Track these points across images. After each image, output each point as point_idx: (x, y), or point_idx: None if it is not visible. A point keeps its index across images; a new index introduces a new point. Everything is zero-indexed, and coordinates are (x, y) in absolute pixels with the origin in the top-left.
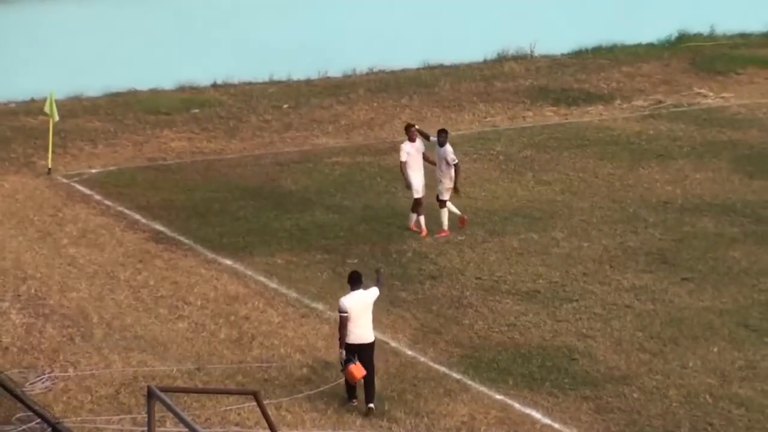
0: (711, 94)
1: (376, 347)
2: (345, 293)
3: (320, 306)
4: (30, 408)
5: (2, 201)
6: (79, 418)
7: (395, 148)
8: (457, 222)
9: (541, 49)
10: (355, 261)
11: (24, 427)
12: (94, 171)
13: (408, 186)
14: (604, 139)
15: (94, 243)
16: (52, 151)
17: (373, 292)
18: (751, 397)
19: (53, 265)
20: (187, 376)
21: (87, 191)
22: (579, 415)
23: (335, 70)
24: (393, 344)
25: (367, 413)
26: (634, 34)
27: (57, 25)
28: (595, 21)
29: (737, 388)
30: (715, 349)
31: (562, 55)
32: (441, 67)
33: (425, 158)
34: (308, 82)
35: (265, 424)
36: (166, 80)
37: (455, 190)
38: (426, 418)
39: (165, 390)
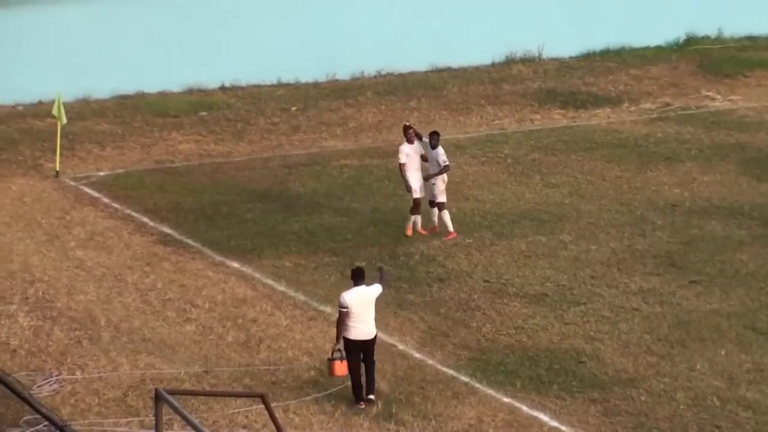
0: (719, 96)
1: (384, 350)
2: None
3: (328, 309)
4: (38, 411)
5: (10, 204)
6: (86, 421)
7: None
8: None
9: (549, 52)
10: (363, 264)
11: (32, 429)
12: (101, 173)
13: (408, 188)
14: (612, 141)
15: (101, 246)
16: (60, 154)
17: (376, 289)
18: (759, 399)
19: (61, 268)
20: (195, 379)
21: (95, 194)
22: (587, 417)
23: (343, 72)
24: (401, 347)
25: (367, 402)
26: (642, 36)
27: (65, 27)
28: (603, 24)
29: (745, 390)
30: (723, 352)
31: (570, 57)
32: (449, 69)
33: (422, 158)
34: (316, 85)
35: (273, 427)
36: (174, 83)
37: (425, 178)
38: (434, 421)
39: (172, 393)
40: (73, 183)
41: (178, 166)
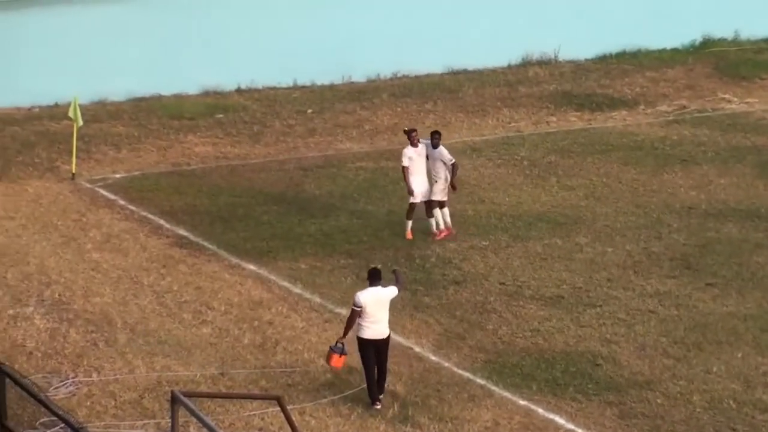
0: (735, 99)
1: (400, 353)
2: None
3: (344, 311)
4: (54, 413)
5: (26, 206)
6: (102, 423)
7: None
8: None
9: (565, 54)
10: (379, 266)
11: None
12: (118, 176)
13: (410, 192)
14: (628, 144)
15: (117, 248)
16: (76, 156)
17: (391, 291)
18: None
19: (77, 270)
20: (211, 381)
21: (111, 196)
22: (603, 420)
23: (359, 75)
24: (417, 349)
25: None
26: (658, 39)
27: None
28: (619, 26)
29: (761, 393)
30: (739, 355)
31: (587, 60)
32: (465, 72)
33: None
34: (332, 87)
35: (289, 429)
36: (191, 85)
37: (453, 187)
38: (450, 424)
39: (188, 395)
40: (89, 185)
41: (194, 169)
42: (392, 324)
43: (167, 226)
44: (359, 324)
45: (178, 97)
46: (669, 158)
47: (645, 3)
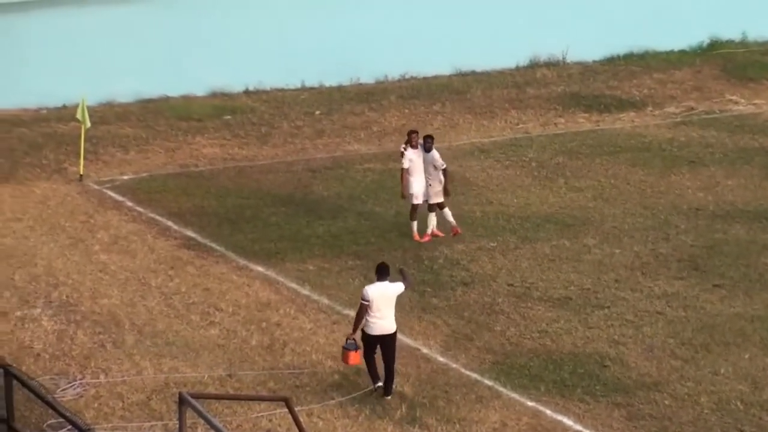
0: (743, 100)
1: (408, 354)
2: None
3: (352, 312)
4: (61, 415)
5: (34, 207)
6: (110, 425)
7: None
8: (449, 229)
9: (573, 56)
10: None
11: None
12: (125, 177)
13: (405, 194)
14: (636, 145)
15: (125, 249)
16: (84, 158)
17: (398, 287)
18: None
19: (85, 272)
20: (219, 383)
21: (119, 198)
22: (610, 422)
23: (367, 76)
24: (425, 351)
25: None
26: (666, 40)
27: (89, 31)
28: (626, 28)
29: None
30: (747, 356)
31: (594, 61)
32: (473, 73)
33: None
34: (340, 89)
35: (297, 431)
36: (198, 86)
37: (446, 192)
38: (458, 425)
39: (196, 396)
40: (96, 187)
41: (202, 170)
42: (400, 325)
43: (175, 227)
44: (365, 320)
45: (186, 99)
46: (677, 160)
47: (652, 4)
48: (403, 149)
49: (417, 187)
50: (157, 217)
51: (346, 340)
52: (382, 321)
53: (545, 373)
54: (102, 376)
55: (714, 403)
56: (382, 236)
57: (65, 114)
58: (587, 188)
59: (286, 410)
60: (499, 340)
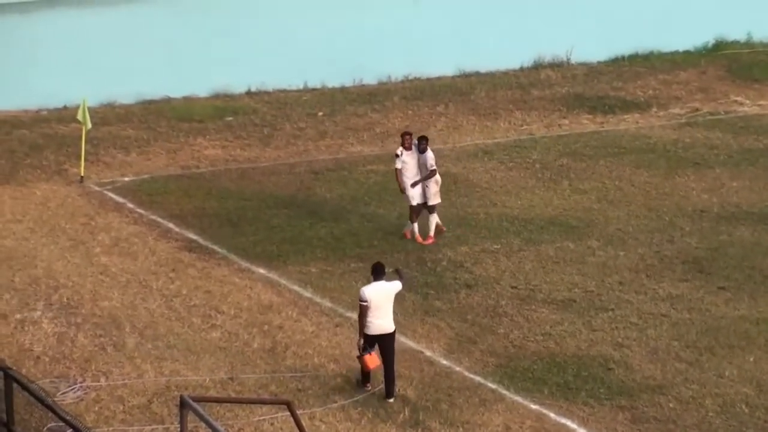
0: (748, 101)
1: (411, 357)
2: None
3: (354, 315)
4: (62, 418)
5: (34, 209)
6: (111, 428)
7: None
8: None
9: (577, 57)
10: (390, 270)
11: None
12: (126, 179)
13: (403, 190)
14: (640, 147)
15: (126, 252)
16: (85, 159)
17: (395, 285)
18: None
19: (85, 274)
20: (220, 386)
21: (120, 199)
22: (615, 425)
23: (370, 77)
24: (428, 353)
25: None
26: (671, 41)
27: (90, 32)
28: (631, 28)
29: None
30: (752, 359)
31: (599, 62)
32: (477, 74)
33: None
34: (343, 90)
35: None
36: (200, 88)
37: (417, 182)
38: (461, 428)
39: (198, 400)
40: (97, 188)
41: (204, 172)
42: (403, 328)
43: (176, 229)
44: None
45: (188, 100)
46: (681, 161)
47: (657, 5)
48: (399, 153)
49: (412, 189)
50: (159, 219)
51: (358, 348)
52: (380, 320)
53: (549, 376)
54: (103, 379)
55: (719, 406)
56: (385, 238)
57: (66, 115)
58: (591, 190)
59: (288, 414)
60: (503, 343)
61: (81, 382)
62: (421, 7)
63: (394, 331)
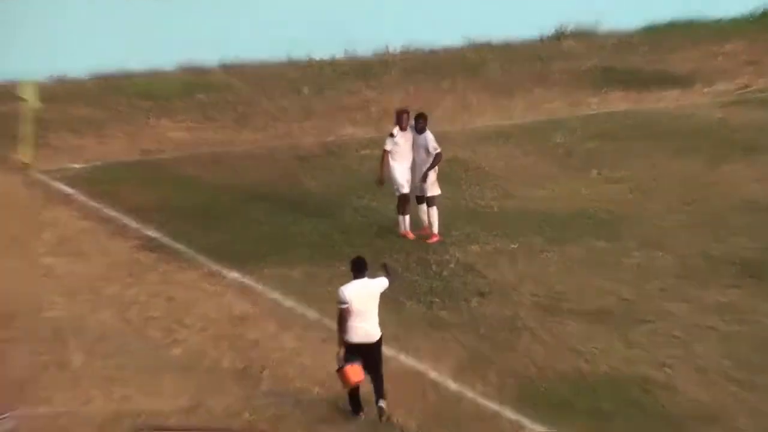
0: None
1: (412, 380)
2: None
3: None
4: None
5: None
6: None
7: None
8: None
9: (606, 25)
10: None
11: None
12: (77, 166)
13: (381, 180)
14: (681, 129)
15: (75, 252)
16: (30, 143)
17: (381, 282)
18: None
19: (25, 278)
20: (183, 414)
21: (69, 190)
22: None
23: (364, 48)
24: (433, 375)
25: (380, 414)
26: (715, 7)
27: None
28: None
29: None
30: None
31: (631, 31)
32: (489, 45)
33: None
34: (332, 63)
35: None
36: (166, 60)
37: (424, 176)
38: None
39: (155, 430)
40: (43, 177)
41: (169, 158)
42: (403, 344)
43: (135, 225)
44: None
45: (151, 74)
46: (729, 145)
47: None
48: (394, 133)
49: (400, 175)
50: (114, 213)
51: (337, 361)
52: (364, 324)
53: (578, 400)
54: (42, 407)
55: None
56: (381, 236)
57: (5, 92)
58: (624, 179)
59: None
60: (523, 362)
61: (14, 411)
62: None
63: (381, 339)
